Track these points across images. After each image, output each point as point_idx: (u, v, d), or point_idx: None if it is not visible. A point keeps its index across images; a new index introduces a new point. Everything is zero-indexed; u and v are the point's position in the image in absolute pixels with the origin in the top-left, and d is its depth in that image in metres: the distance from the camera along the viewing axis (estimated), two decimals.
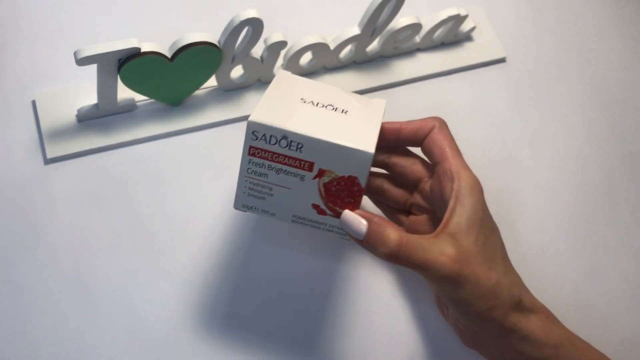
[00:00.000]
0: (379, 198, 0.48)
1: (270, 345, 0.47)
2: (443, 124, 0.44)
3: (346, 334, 0.48)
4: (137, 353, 0.45)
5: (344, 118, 0.39)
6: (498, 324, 0.40)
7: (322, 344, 0.47)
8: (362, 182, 0.37)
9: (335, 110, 0.39)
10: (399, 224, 0.47)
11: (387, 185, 0.47)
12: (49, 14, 0.55)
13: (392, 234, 0.37)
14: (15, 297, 0.45)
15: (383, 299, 0.49)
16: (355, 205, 0.38)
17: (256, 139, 0.38)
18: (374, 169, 0.47)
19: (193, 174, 0.51)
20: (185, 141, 0.52)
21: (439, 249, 0.38)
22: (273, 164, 0.38)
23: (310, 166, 0.37)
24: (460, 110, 0.57)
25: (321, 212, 0.39)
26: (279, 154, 0.37)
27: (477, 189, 0.41)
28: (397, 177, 0.46)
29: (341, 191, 0.38)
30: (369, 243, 0.37)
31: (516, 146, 0.57)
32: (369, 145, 0.37)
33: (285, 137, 0.37)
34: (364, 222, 0.38)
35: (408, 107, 0.56)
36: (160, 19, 0.57)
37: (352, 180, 0.37)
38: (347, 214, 0.38)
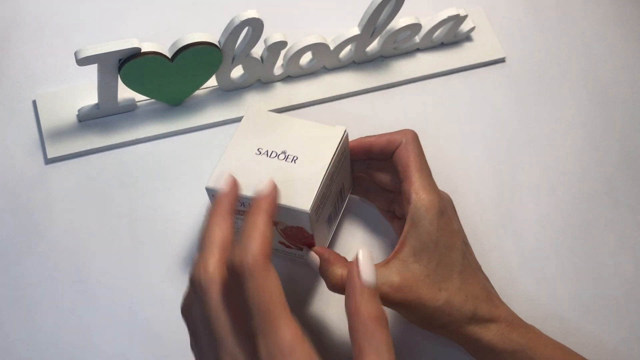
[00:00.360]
0: (366, 201, 0.48)
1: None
2: (410, 139, 0.44)
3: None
4: (137, 353, 0.45)
5: (291, 169, 0.41)
6: (456, 335, 0.42)
7: (332, 347, 0.47)
8: (308, 230, 0.41)
9: (287, 159, 0.42)
10: (391, 222, 0.49)
11: (372, 190, 0.49)
12: (50, 14, 0.56)
13: (337, 270, 0.40)
14: (15, 297, 0.45)
15: None
16: (311, 244, 0.43)
17: None
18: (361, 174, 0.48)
19: (193, 173, 0.51)
20: (185, 141, 0.52)
21: (384, 279, 0.40)
22: (236, 215, 0.41)
23: None
24: (459, 110, 0.57)
25: (288, 246, 0.44)
26: (238, 210, 0.41)
27: (434, 210, 0.41)
28: (378, 184, 0.47)
29: (295, 235, 0.42)
30: (322, 276, 0.41)
31: (516, 146, 0.57)
32: (305, 203, 0.40)
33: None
34: (316, 260, 0.42)
35: (408, 107, 0.56)
36: (161, 19, 0.57)
37: (300, 229, 0.41)
38: (305, 253, 0.43)
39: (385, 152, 0.45)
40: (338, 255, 0.42)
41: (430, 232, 0.41)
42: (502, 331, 0.42)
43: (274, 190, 0.36)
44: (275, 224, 0.42)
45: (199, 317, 0.33)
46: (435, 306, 0.40)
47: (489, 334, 0.42)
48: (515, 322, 0.43)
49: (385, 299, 0.40)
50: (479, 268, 0.44)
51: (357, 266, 0.33)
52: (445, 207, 0.42)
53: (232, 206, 0.36)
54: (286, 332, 0.30)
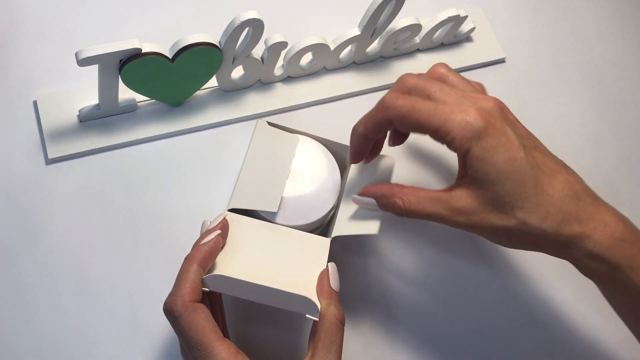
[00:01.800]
0: None
1: (271, 344, 0.47)
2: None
3: None
4: (137, 353, 0.45)
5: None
6: (553, 253, 0.41)
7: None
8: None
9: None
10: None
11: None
12: (51, 15, 0.56)
13: (397, 200, 0.41)
14: (16, 297, 0.45)
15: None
16: None
17: None
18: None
19: (194, 174, 0.51)
20: (186, 141, 0.52)
21: (445, 204, 0.40)
22: None
23: None
24: None
25: None
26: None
27: (481, 136, 0.38)
28: None
29: None
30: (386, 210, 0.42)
31: None
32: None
33: None
34: (371, 201, 0.43)
35: None
36: (161, 19, 0.57)
37: None
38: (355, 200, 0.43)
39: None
40: (389, 185, 0.42)
41: (485, 159, 0.38)
42: (594, 249, 0.38)
43: (213, 241, 0.41)
44: None
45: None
46: (508, 226, 0.39)
47: (579, 253, 0.39)
48: (615, 234, 0.39)
49: (449, 222, 0.40)
50: (557, 171, 0.40)
51: (328, 275, 0.41)
52: (493, 122, 0.39)
53: (215, 248, 0.41)
54: (220, 352, 0.36)
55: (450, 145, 0.39)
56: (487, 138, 0.38)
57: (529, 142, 0.40)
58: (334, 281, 0.41)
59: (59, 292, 0.46)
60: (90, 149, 0.50)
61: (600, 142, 0.59)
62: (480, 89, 0.43)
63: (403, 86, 0.41)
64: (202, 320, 0.37)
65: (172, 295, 0.38)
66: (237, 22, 0.47)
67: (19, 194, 0.49)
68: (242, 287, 0.39)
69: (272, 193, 0.44)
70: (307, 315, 0.39)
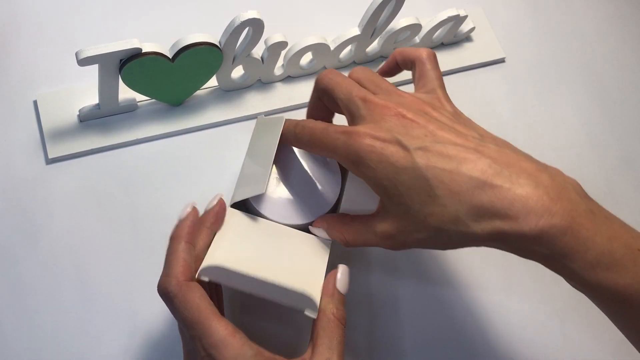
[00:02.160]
0: None
1: (271, 339, 0.47)
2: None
3: None
4: (137, 352, 0.45)
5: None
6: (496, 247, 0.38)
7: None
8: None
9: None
10: None
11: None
12: (51, 15, 0.56)
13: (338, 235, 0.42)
14: (16, 297, 0.46)
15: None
16: None
17: None
18: None
19: (194, 173, 0.51)
20: (186, 141, 0.52)
21: (368, 235, 0.40)
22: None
23: None
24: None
25: None
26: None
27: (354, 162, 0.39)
28: None
29: None
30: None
31: (516, 145, 0.57)
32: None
33: None
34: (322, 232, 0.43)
35: None
36: (162, 19, 0.57)
37: None
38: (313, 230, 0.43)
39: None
40: (333, 218, 0.42)
41: (375, 176, 0.37)
42: (521, 243, 0.35)
43: (191, 214, 0.40)
44: None
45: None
46: (430, 236, 0.36)
47: (509, 247, 0.36)
48: (540, 219, 0.34)
49: (384, 247, 0.39)
50: (462, 160, 0.35)
51: (336, 276, 0.40)
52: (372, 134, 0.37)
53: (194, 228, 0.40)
54: (217, 329, 0.35)
55: (344, 163, 0.39)
56: (370, 154, 0.37)
57: (432, 137, 0.37)
58: (341, 282, 0.40)
59: (59, 291, 0.46)
60: (90, 148, 0.50)
61: (600, 142, 0.59)
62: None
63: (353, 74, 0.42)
64: (197, 299, 0.36)
65: (164, 276, 0.37)
66: (237, 22, 0.47)
67: (19, 194, 0.49)
68: (240, 279, 0.38)
69: (259, 178, 0.43)
70: (305, 313, 0.39)
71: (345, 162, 0.38)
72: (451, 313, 0.50)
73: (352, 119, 0.40)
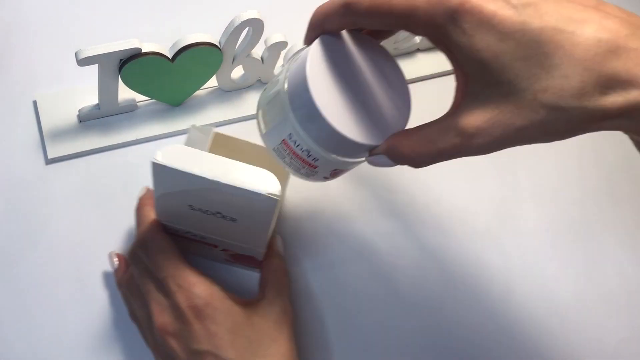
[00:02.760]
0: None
1: None
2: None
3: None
4: (137, 352, 0.45)
5: (232, 225, 0.40)
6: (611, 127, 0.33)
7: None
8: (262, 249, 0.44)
9: (224, 218, 0.39)
10: None
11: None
12: (50, 15, 0.56)
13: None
14: (16, 296, 0.45)
15: None
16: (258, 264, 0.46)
17: None
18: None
19: None
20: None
21: (452, 131, 0.31)
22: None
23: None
24: None
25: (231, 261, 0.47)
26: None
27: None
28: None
29: (243, 259, 0.46)
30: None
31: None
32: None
33: None
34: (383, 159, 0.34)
35: None
36: (161, 19, 0.57)
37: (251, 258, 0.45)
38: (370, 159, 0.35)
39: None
40: (393, 137, 0.34)
41: (472, 45, 0.29)
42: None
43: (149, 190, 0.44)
44: (224, 250, 0.45)
45: (133, 286, 0.43)
46: (540, 120, 0.29)
47: (637, 121, 0.31)
48: None
49: (469, 150, 0.30)
50: (583, 20, 0.28)
51: (277, 242, 0.46)
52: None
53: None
54: (188, 271, 0.40)
55: (424, 31, 0.30)
56: (465, 16, 0.28)
57: None
58: (281, 248, 0.46)
59: (58, 291, 0.46)
60: (90, 148, 0.50)
61: (600, 141, 0.59)
62: None
63: None
64: (169, 245, 0.41)
65: (140, 232, 0.43)
66: (237, 22, 0.47)
67: (19, 194, 0.49)
68: (194, 179, 0.36)
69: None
70: (266, 194, 0.36)
71: (427, 28, 0.30)
72: (450, 312, 0.50)
73: None
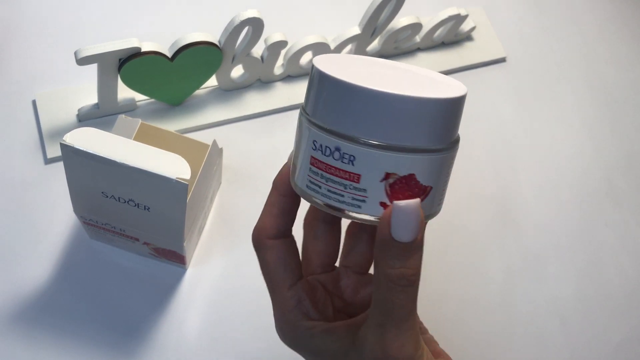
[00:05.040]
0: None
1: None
2: None
3: None
4: (138, 352, 0.45)
5: (146, 215, 0.39)
6: None
7: None
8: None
9: (137, 206, 0.39)
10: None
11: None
12: (50, 14, 0.56)
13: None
14: (15, 297, 0.45)
15: None
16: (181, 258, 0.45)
17: None
18: None
19: None
20: None
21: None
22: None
23: None
24: None
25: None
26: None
27: None
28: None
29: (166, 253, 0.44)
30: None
31: (516, 145, 0.57)
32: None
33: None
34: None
35: None
36: (161, 18, 0.57)
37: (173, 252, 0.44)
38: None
39: None
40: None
41: None
42: None
43: (285, 167, 0.31)
44: (145, 243, 0.43)
45: None
46: None
47: None
48: None
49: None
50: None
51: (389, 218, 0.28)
52: None
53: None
54: (280, 301, 0.31)
55: None
56: None
57: None
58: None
59: (58, 290, 0.46)
60: None
61: (600, 141, 0.59)
62: None
63: None
64: (272, 263, 0.31)
65: (255, 226, 0.32)
66: (237, 21, 0.47)
67: (19, 194, 0.48)
68: (99, 163, 0.36)
69: None
70: (176, 178, 0.36)
71: None
72: (450, 312, 0.50)
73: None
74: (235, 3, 0.55)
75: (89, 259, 0.47)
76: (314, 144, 0.27)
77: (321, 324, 0.31)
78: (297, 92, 0.55)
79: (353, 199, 0.27)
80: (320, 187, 0.27)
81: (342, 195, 0.27)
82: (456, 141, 0.28)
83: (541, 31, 0.63)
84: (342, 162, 0.26)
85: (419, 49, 0.59)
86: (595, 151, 0.58)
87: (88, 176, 0.38)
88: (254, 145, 0.53)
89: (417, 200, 0.26)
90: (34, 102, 0.52)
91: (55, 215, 0.48)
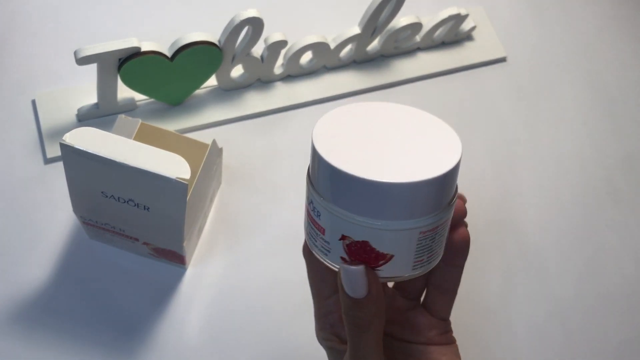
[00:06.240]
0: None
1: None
2: None
3: None
4: (138, 352, 0.45)
5: (146, 215, 0.39)
6: None
7: None
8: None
9: (137, 206, 0.39)
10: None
11: None
12: (49, 14, 0.55)
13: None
14: (15, 297, 0.45)
15: None
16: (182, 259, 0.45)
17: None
18: None
19: None
20: None
21: None
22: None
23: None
24: (460, 110, 0.57)
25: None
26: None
27: None
28: None
29: (166, 253, 0.44)
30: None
31: (516, 145, 0.57)
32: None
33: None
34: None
35: None
36: (161, 18, 0.57)
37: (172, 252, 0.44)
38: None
39: None
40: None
41: None
42: None
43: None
44: (145, 244, 0.44)
45: None
46: None
47: None
48: None
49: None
50: None
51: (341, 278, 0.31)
52: None
53: None
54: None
55: None
56: None
57: None
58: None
59: (57, 291, 0.46)
60: None
61: (601, 141, 0.59)
62: None
63: None
64: (314, 275, 0.34)
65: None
66: (237, 21, 0.47)
67: (18, 194, 0.48)
68: (99, 163, 0.36)
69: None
70: (176, 177, 0.36)
71: None
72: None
73: None
74: (235, 3, 0.55)
75: (89, 259, 0.47)
76: (310, 203, 0.30)
77: (332, 341, 0.35)
78: (297, 92, 0.55)
79: (322, 246, 0.31)
80: (316, 238, 0.31)
81: (316, 240, 0.31)
82: (429, 213, 0.29)
83: (542, 31, 0.63)
84: (314, 213, 0.30)
85: (419, 49, 0.58)
86: (595, 151, 0.58)
87: (88, 176, 0.38)
88: (253, 145, 0.53)
89: (361, 267, 0.30)
90: (33, 102, 0.52)
91: (54, 215, 0.48)
